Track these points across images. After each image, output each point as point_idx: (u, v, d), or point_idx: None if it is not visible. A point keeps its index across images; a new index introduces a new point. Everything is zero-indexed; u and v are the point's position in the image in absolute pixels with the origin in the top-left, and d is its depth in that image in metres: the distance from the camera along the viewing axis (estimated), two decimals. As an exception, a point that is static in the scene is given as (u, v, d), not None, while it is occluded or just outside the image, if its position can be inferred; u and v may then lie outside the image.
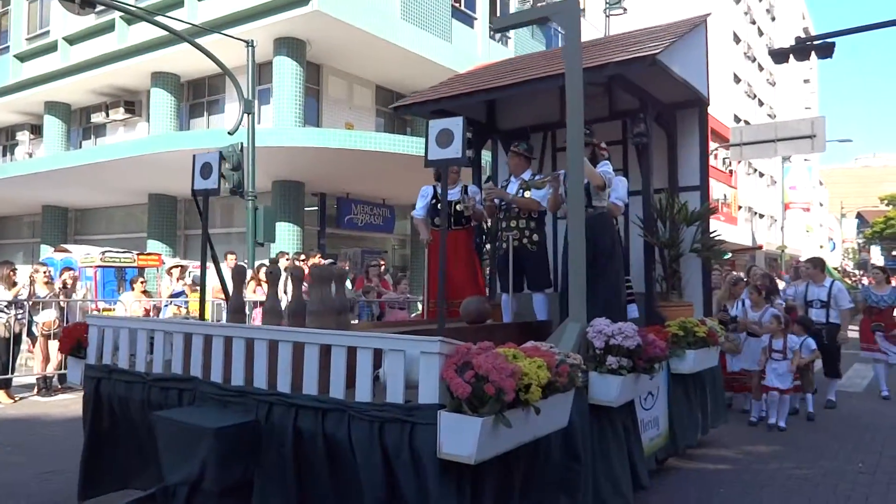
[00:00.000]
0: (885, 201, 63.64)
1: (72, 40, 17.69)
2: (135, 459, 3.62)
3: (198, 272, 7.46)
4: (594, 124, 5.33)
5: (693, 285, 5.57)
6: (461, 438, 2.45)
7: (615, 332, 3.49)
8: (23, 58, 19.22)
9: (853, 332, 7.94)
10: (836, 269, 23.96)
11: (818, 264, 7.60)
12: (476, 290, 5.07)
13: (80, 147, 19.08)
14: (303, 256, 11.95)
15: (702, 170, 5.71)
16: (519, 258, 5.07)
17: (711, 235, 5.59)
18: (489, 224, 5.68)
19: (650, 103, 5.17)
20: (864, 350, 7.88)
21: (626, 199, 5.10)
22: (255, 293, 9.61)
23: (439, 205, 5.52)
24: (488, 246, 5.90)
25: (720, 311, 6.26)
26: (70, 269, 10.50)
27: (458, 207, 5.38)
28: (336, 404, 2.75)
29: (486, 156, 7.07)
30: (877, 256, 63.29)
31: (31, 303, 8.01)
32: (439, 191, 5.59)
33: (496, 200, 5.39)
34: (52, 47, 18.01)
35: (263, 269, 9.36)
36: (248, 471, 2.91)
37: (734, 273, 7.67)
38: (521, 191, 5.17)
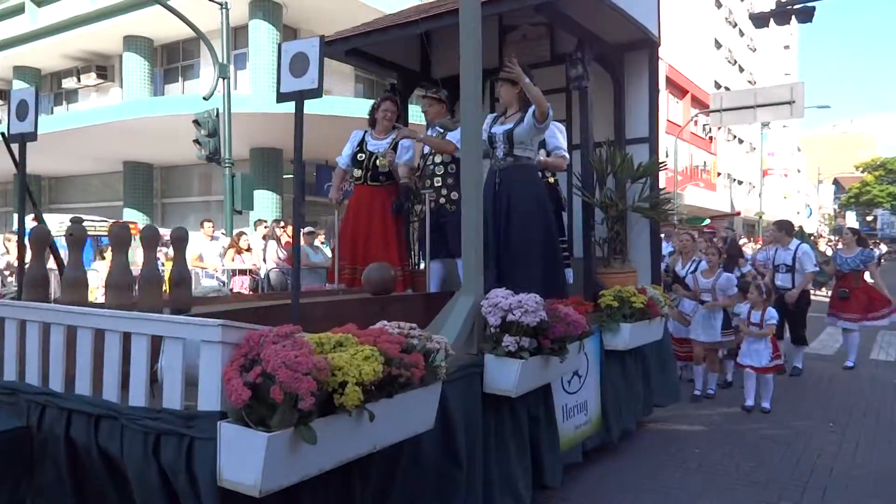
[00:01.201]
0: (861, 168, 62.19)
1: (40, 2, 16.51)
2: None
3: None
4: (535, 69, 4.48)
5: (639, 249, 4.73)
6: (243, 461, 1.66)
7: (514, 306, 2.69)
8: (-13, 20, 18.03)
9: (820, 297, 7.14)
10: (811, 235, 23.13)
11: (784, 227, 6.77)
12: (390, 255, 4.24)
13: (52, 113, 18.03)
14: (282, 224, 11.24)
15: (651, 120, 4.81)
16: (439, 220, 4.25)
17: (660, 193, 4.74)
18: (415, 183, 4.78)
19: (589, 42, 4.27)
20: (830, 315, 7.06)
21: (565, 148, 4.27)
22: (232, 261, 9.12)
23: (359, 155, 4.65)
24: (419, 207, 5.02)
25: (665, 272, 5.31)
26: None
27: (377, 162, 4.50)
28: (108, 408, 1.96)
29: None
30: (852, 222, 62.28)
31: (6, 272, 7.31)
32: (368, 137, 4.68)
33: (422, 158, 4.53)
34: (19, 9, 16.84)
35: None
36: (16, 491, 2.14)
37: (678, 228, 6.75)
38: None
